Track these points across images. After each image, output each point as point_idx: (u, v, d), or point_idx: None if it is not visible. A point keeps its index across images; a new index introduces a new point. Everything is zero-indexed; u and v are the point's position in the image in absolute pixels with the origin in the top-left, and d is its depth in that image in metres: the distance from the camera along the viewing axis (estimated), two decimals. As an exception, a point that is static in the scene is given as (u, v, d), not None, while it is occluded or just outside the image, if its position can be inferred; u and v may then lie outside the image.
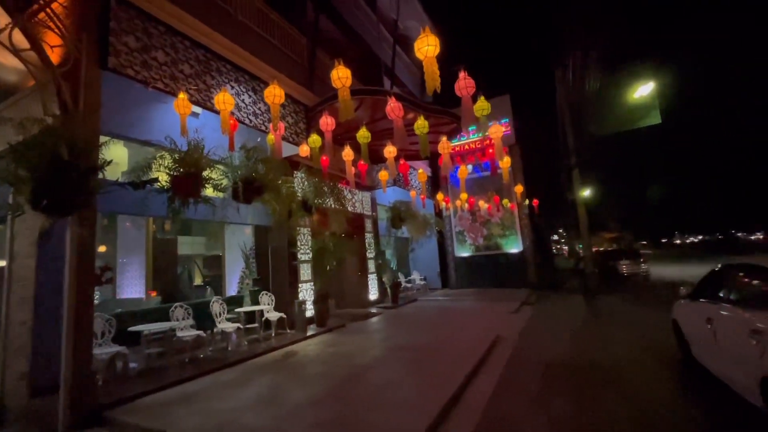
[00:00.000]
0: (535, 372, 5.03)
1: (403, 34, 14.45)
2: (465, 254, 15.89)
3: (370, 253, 12.24)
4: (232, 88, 6.66)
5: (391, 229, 13.00)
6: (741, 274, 3.70)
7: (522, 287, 14.05)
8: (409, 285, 14.58)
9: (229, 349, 6.64)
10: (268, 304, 8.04)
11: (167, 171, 5.26)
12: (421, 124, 5.38)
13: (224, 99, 4.79)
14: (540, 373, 4.99)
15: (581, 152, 15.52)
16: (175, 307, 6.36)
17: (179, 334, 6.07)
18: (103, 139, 4.30)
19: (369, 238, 12.30)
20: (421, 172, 9.53)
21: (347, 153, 7.20)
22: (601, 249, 24.25)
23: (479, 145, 15.65)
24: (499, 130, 6.12)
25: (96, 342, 5.20)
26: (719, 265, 4.39)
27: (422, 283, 15.36)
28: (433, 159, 16.43)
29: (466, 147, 15.87)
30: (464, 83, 4.15)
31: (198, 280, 13.28)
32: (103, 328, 5.37)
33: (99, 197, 4.60)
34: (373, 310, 10.93)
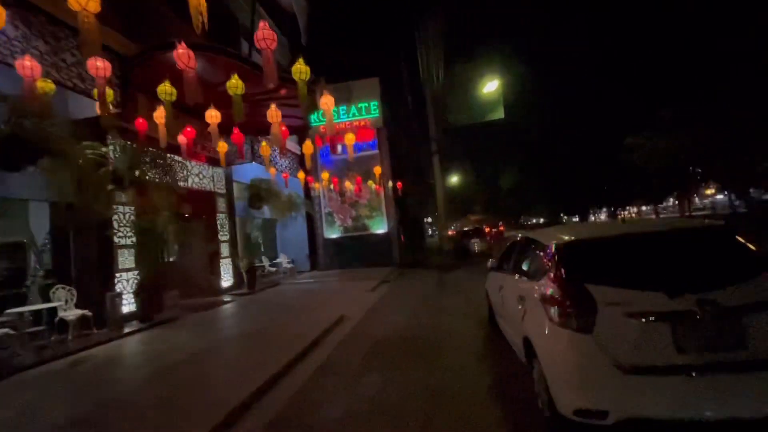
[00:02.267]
0: (362, 349, 5.03)
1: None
2: (334, 236, 15.78)
3: (223, 236, 11.05)
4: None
5: (250, 209, 11.99)
6: (520, 246, 4.15)
7: (388, 266, 14.64)
8: (273, 269, 13.80)
9: (-11, 363, 5.03)
10: (67, 301, 6.43)
11: None
12: (234, 84, 4.69)
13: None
14: (366, 349, 5.00)
15: (442, 140, 16.79)
16: None
17: None
18: None
19: (222, 218, 11.06)
20: (306, 144, 8.78)
21: (160, 113, 5.96)
22: (459, 230, 27.14)
23: (348, 126, 15.49)
24: (330, 100, 5.81)
25: None
26: (518, 237, 4.92)
27: (289, 266, 14.73)
28: (303, 136, 15.74)
29: (336, 126, 15.53)
30: (262, 34, 3.62)
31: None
32: None
33: None
34: (226, 298, 9.95)
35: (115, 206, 7.23)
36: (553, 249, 3.01)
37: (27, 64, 4.11)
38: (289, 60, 16.24)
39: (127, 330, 6.73)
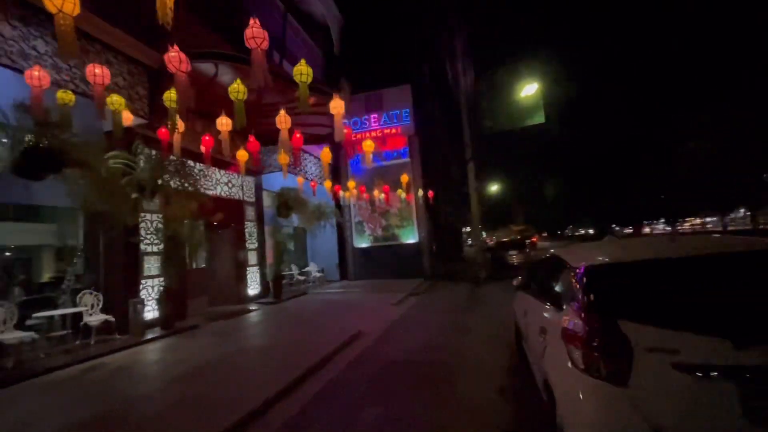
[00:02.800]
0: (370, 372, 4.61)
1: (298, 4, 13.37)
2: (364, 245, 15.52)
3: (251, 244, 11.12)
4: (14, 28, 5.09)
5: (278, 218, 12.03)
6: (547, 265, 3.55)
7: (418, 278, 14.11)
8: (302, 277, 13.75)
9: (9, 366, 5.18)
10: (93, 306, 6.61)
11: None
12: (235, 89, 4.52)
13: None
14: (375, 373, 4.57)
15: (478, 147, 16.08)
16: None
17: None
18: None
19: (250, 227, 11.16)
20: (324, 152, 8.61)
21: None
22: (499, 240, 25.93)
23: (380, 134, 15.29)
24: (339, 105, 5.51)
25: None
26: (548, 254, 4.30)
27: (319, 275, 14.64)
28: (334, 145, 15.74)
29: (367, 135, 15.39)
30: (252, 32, 3.38)
31: (46, 277, 10.90)
32: None
33: None
34: (252, 307, 9.93)
35: (142, 214, 7.42)
36: (581, 272, 2.45)
37: (35, 74, 4.20)
38: (323, 71, 16.44)
39: (148, 337, 6.79)
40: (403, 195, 13.96)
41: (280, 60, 11.28)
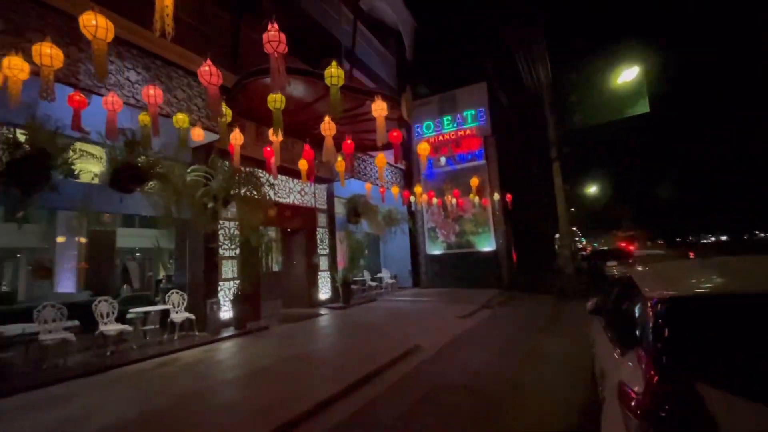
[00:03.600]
0: (415, 396, 4.19)
1: (369, 13, 13.54)
2: (437, 252, 14.95)
3: (323, 250, 11.46)
4: (111, 63, 5.93)
5: (348, 224, 12.24)
6: (620, 289, 2.76)
7: (494, 288, 13.08)
8: (373, 284, 13.76)
9: (108, 354, 5.97)
10: (178, 304, 7.36)
11: (3, 155, 4.60)
12: (273, 99, 4.53)
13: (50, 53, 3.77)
14: (419, 398, 4.14)
15: (566, 144, 14.41)
16: (44, 307, 5.72)
17: (42, 337, 5.43)
18: None
19: (322, 233, 11.52)
20: (379, 158, 8.52)
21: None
22: (597, 248, 22.91)
23: (454, 136, 14.64)
24: (382, 106, 5.19)
25: None
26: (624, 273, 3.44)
27: (391, 281, 14.52)
28: (405, 150, 15.55)
29: (440, 138, 14.88)
30: (268, 37, 3.26)
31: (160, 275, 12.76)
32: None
33: None
34: (321, 311, 10.19)
35: (220, 222, 8.09)
36: (655, 304, 1.77)
37: (110, 100, 4.76)
38: (397, 79, 16.44)
39: (222, 335, 7.32)
40: (477, 199, 13.09)
41: (350, 69, 11.50)
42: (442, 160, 14.86)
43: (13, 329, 5.26)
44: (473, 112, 14.35)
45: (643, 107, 12.82)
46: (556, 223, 15.32)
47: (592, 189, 33.26)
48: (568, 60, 13.03)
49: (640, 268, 2.72)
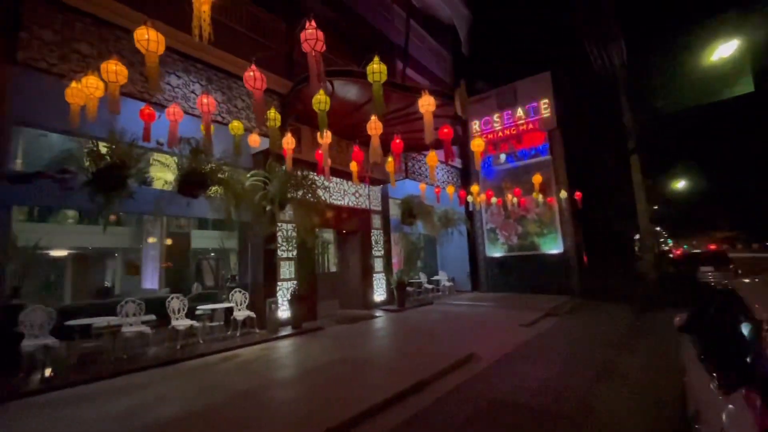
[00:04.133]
0: (460, 415, 3.87)
1: (422, 10, 13.27)
2: (497, 254, 14.17)
3: (377, 251, 11.44)
4: (179, 78, 6.42)
5: (402, 225, 12.09)
6: (718, 304, 2.23)
7: (563, 293, 12.03)
8: (430, 286, 13.43)
9: (178, 347, 6.45)
10: (241, 303, 7.77)
11: (90, 166, 5.15)
12: (318, 100, 4.48)
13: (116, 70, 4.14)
14: (465, 418, 3.81)
15: (647, 134, 12.84)
16: (126, 302, 6.35)
17: (124, 330, 6.03)
18: None
19: (376, 234, 11.50)
20: (430, 156, 8.15)
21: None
22: (688, 251, 20.15)
23: (514, 131, 13.78)
24: (429, 101, 4.89)
25: (32, 333, 5.33)
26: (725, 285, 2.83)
27: (449, 284, 14.08)
28: (462, 148, 15.02)
29: (500, 134, 14.10)
30: (305, 35, 3.18)
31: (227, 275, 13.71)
32: (41, 320, 5.48)
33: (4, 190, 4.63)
34: (376, 313, 10.16)
35: (279, 224, 8.41)
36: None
37: (171, 111, 5.11)
38: (452, 75, 15.97)
39: (280, 334, 7.58)
40: (541, 198, 12.15)
41: (403, 68, 11.36)
42: (502, 157, 14.08)
43: (100, 321, 5.90)
44: (535, 104, 13.38)
45: (745, 86, 10.95)
46: (636, 222, 13.71)
47: (681, 184, 29.30)
48: (647, 40, 11.55)
49: (747, 280, 2.18)
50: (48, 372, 5.08)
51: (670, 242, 52.42)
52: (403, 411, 3.93)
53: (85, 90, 3.99)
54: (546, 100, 13.14)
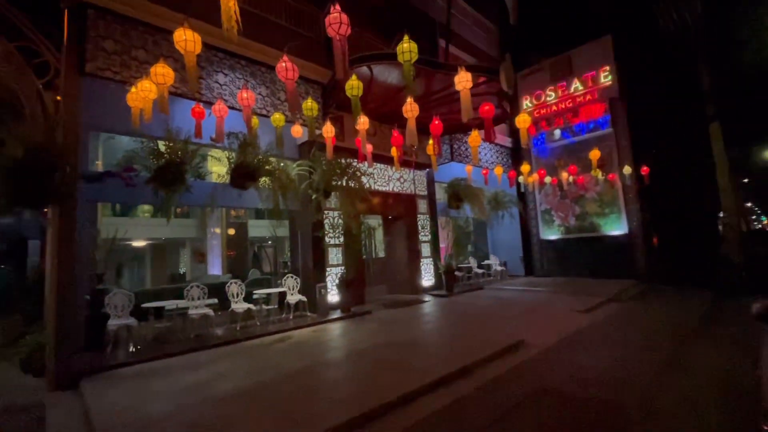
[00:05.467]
0: (508, 401, 3.76)
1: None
2: (553, 237, 13.38)
3: (424, 236, 11.35)
4: (226, 75, 6.74)
5: (449, 209, 11.85)
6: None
7: (629, 277, 11.12)
8: (480, 271, 13.10)
9: (237, 329, 6.97)
10: (293, 288, 8.17)
11: (152, 164, 5.64)
12: (350, 85, 4.41)
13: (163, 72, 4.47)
14: (515, 403, 3.69)
15: (731, 96, 11.23)
16: (191, 287, 6.95)
17: (190, 312, 6.63)
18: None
19: (423, 219, 11.40)
20: (473, 136, 7.70)
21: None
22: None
23: (570, 104, 12.75)
24: (466, 78, 4.60)
25: (115, 314, 6.06)
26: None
27: (500, 269, 13.62)
28: (513, 128, 14.22)
29: (553, 108, 13.13)
30: (330, 20, 3.11)
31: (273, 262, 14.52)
32: (123, 302, 6.20)
33: (87, 189, 5.24)
34: (425, 298, 10.17)
35: (325, 212, 8.64)
36: None
37: (217, 107, 5.37)
38: (499, 49, 15.06)
39: (329, 317, 7.88)
40: (601, 175, 11.18)
41: (446, 46, 10.93)
42: (557, 133, 13.13)
43: (170, 304, 6.54)
44: (594, 73, 12.22)
45: None
46: (719, 198, 12.11)
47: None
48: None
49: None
50: (129, 349, 5.77)
51: (765, 219, 46.02)
52: (444, 396, 3.90)
53: (141, 93, 4.35)
54: (607, 68, 11.94)
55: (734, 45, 10.47)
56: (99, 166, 8.69)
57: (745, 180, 24.18)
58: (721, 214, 13.48)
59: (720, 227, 13.31)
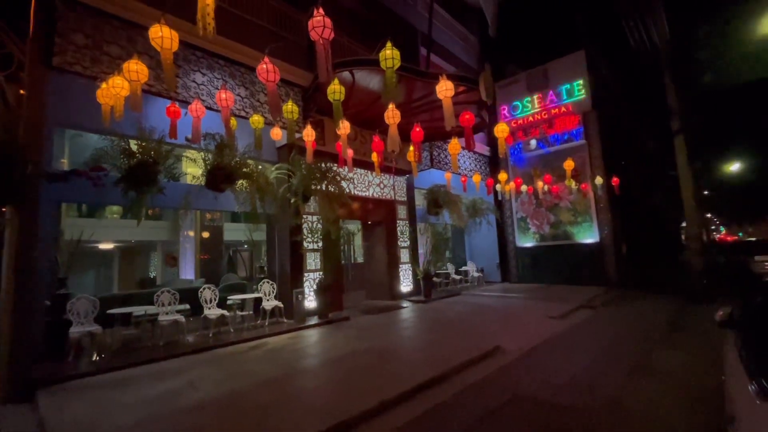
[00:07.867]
0: (485, 407, 3.78)
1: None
2: (528, 244, 13.69)
3: (403, 242, 11.37)
4: (204, 75, 6.59)
5: (428, 215, 11.94)
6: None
7: (600, 284, 11.49)
8: (458, 277, 13.24)
9: (210, 336, 6.73)
10: (269, 293, 7.99)
11: (123, 163, 5.41)
12: (332, 90, 4.41)
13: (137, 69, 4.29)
14: (489, 412, 3.71)
15: (694, 113, 11.87)
16: (162, 292, 6.68)
17: (160, 318, 6.36)
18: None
19: (402, 225, 11.42)
20: (452, 144, 7.78)
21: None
22: (741, 239, 18.58)
23: (546, 115, 13.16)
24: (448, 86, 4.69)
25: (78, 321, 5.73)
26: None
27: (477, 275, 13.81)
28: (491, 136, 14.53)
29: (530, 118, 13.51)
30: (313, 23, 3.10)
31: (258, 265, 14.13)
32: (86, 308, 5.88)
33: (50, 188, 4.95)
34: (403, 304, 10.16)
35: (304, 216, 8.52)
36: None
37: (194, 107, 5.23)
38: (480, 60, 15.41)
39: (306, 323, 7.74)
40: (575, 185, 11.56)
41: (428, 55, 11.08)
42: (533, 143, 13.50)
43: (138, 310, 6.26)
44: (568, 86, 12.67)
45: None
46: (683, 209, 12.76)
47: (735, 167, 26.88)
48: (692, 11, 10.53)
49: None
50: (92, 357, 5.46)
51: (723, 230, 48.83)
52: (420, 404, 3.88)
53: (112, 90, 4.17)
54: (580, 81, 12.41)
55: (696, 66, 11.10)
56: (65, 164, 8.25)
57: (706, 192, 25.59)
58: (684, 224, 14.22)
59: (683, 237, 13.99)
